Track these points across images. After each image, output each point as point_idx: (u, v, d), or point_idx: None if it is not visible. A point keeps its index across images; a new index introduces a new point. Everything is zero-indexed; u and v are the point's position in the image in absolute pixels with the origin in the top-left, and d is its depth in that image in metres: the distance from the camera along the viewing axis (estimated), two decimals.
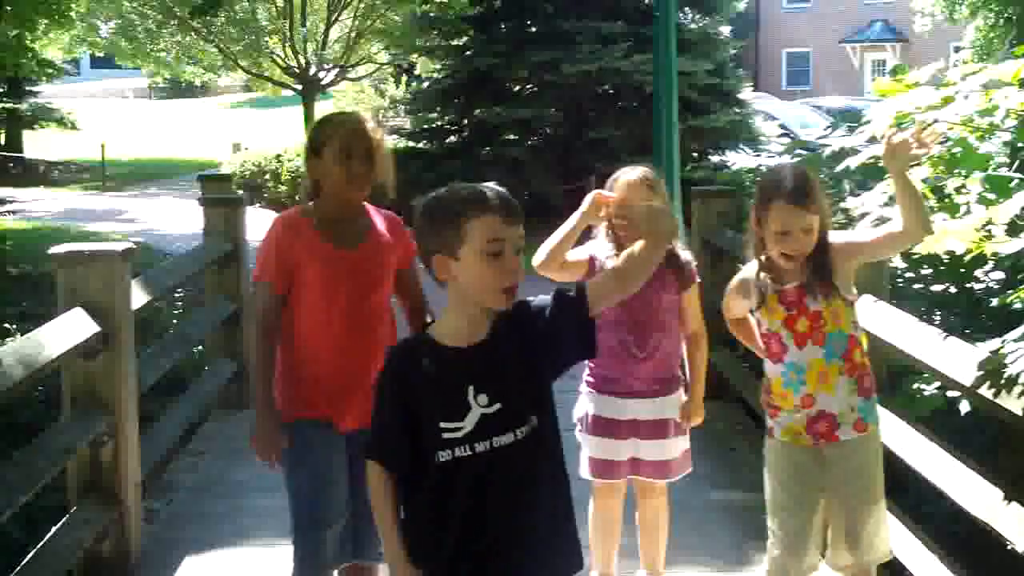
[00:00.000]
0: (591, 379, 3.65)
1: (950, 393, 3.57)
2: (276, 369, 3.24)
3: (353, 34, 21.86)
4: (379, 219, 3.34)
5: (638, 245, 2.32)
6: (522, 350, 2.28)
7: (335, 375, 3.20)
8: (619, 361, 3.55)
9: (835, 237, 3.17)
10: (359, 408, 3.15)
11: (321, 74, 22.53)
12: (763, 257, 3.19)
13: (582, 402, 3.69)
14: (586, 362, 3.64)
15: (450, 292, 2.29)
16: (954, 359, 3.15)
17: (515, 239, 2.22)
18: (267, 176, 19.70)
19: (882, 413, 3.77)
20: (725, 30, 16.40)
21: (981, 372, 2.92)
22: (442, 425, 2.24)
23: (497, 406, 2.25)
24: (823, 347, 3.12)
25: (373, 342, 3.22)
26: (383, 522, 2.32)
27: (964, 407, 3.60)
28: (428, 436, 2.26)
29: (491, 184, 2.28)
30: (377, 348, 3.20)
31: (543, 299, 2.32)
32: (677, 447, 3.67)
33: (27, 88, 27.10)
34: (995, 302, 3.68)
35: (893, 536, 3.65)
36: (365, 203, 3.34)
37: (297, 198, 3.31)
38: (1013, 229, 3.45)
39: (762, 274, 3.20)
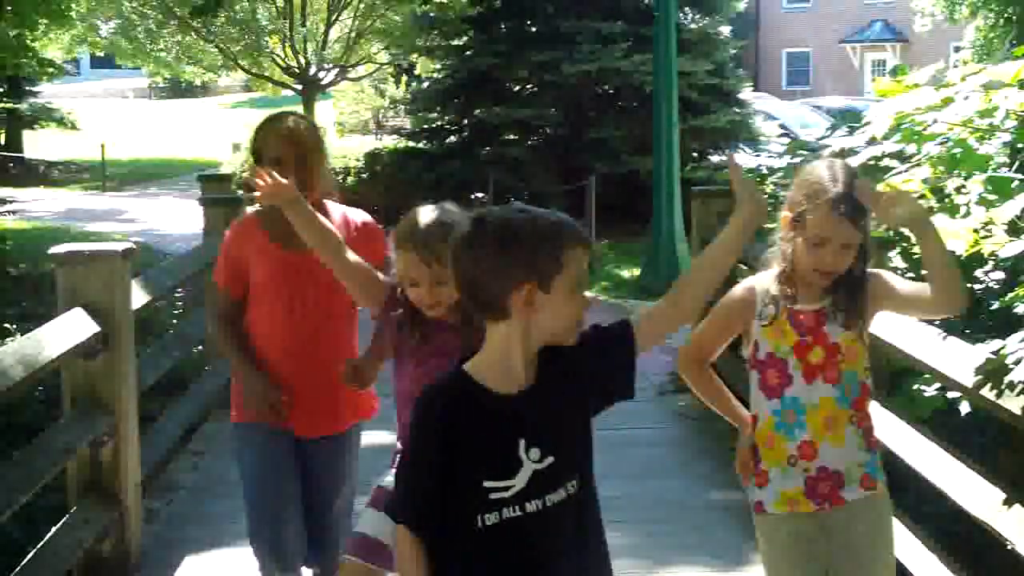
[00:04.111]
0: None
1: (950, 394, 3.56)
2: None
3: (353, 34, 21.84)
4: (341, 221, 3.21)
5: (737, 218, 2.15)
6: (571, 395, 2.07)
7: (283, 379, 3.17)
8: None
9: (874, 269, 2.72)
10: (309, 416, 3.17)
11: (321, 74, 22.51)
12: (786, 267, 2.65)
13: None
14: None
15: (507, 329, 1.99)
16: (954, 359, 3.14)
17: None
18: None
19: (882, 413, 3.78)
20: (725, 30, 16.40)
21: (982, 373, 2.91)
22: (487, 484, 1.98)
23: (549, 460, 2.00)
24: (836, 386, 2.63)
25: (324, 348, 3.18)
26: None
27: (964, 408, 3.60)
28: (468, 497, 1.98)
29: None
30: (329, 354, 3.16)
31: (583, 335, 2.11)
32: None
33: (27, 88, 27.09)
34: (996, 303, 3.67)
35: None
36: (329, 204, 3.24)
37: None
38: (1013, 230, 3.45)
39: (778, 287, 2.66)
